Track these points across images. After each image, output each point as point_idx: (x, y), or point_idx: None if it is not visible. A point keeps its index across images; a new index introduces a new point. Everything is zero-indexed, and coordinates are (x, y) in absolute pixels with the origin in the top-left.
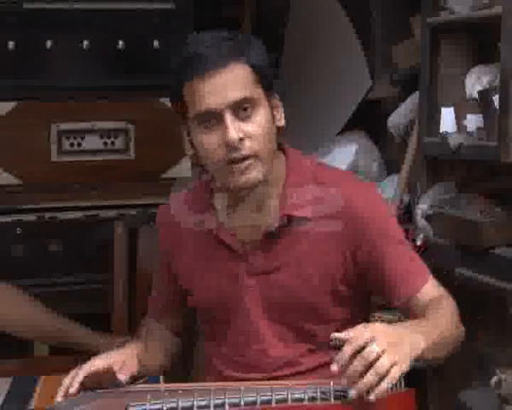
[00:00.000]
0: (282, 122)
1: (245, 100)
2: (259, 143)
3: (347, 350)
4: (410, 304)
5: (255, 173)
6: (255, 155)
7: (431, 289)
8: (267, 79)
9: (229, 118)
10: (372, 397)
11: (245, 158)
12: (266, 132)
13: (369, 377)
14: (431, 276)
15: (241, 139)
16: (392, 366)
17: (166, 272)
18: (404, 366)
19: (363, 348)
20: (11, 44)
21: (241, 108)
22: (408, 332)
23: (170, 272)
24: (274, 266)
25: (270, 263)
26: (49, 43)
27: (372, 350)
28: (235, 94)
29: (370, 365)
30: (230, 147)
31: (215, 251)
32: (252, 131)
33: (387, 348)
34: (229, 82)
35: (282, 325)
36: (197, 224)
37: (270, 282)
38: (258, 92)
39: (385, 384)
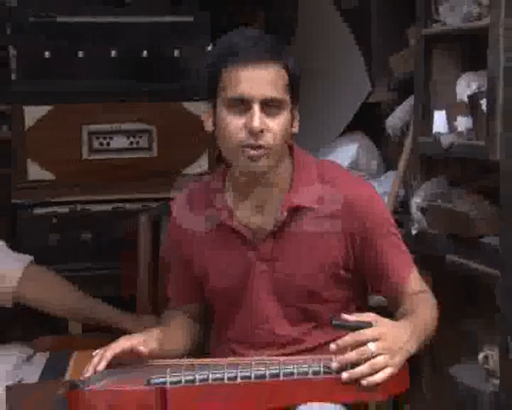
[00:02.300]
0: (295, 130)
1: (274, 99)
2: (275, 139)
3: (349, 340)
4: (396, 293)
5: (263, 163)
6: (268, 148)
7: (415, 281)
8: (296, 89)
9: (257, 109)
10: (364, 382)
11: (259, 147)
12: (283, 133)
13: (363, 368)
14: (416, 269)
15: (261, 130)
16: (385, 367)
17: (180, 260)
18: (394, 370)
19: (364, 342)
20: (47, 54)
21: (269, 105)
22: (407, 338)
23: (183, 259)
24: (281, 253)
25: (278, 251)
26: (80, 53)
27: (370, 350)
28: (269, 92)
29: (364, 360)
30: (252, 133)
31: (227, 239)
32: (272, 126)
33: (385, 351)
34: (266, 79)
35: (288, 307)
36: (210, 214)
37: (278, 268)
38: (286, 97)
39: (376, 378)
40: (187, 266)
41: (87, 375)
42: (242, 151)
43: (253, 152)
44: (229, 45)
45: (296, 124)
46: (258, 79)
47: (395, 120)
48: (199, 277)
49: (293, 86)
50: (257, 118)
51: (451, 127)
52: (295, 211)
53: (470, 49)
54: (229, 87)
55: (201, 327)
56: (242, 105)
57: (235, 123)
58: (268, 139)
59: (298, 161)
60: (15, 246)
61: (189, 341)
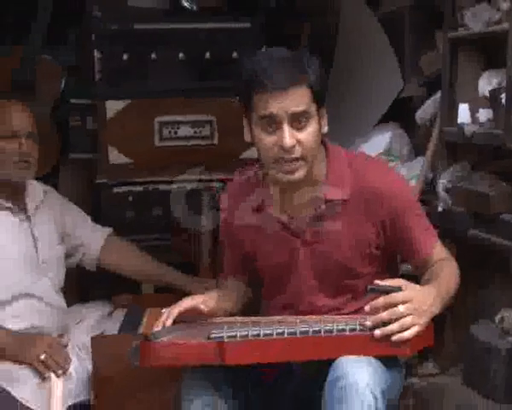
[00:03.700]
0: (325, 129)
1: (301, 113)
2: (308, 149)
3: (381, 302)
4: (424, 263)
5: (299, 174)
6: (302, 159)
7: (439, 251)
8: (321, 97)
9: (286, 126)
10: (394, 339)
11: (293, 160)
12: (314, 140)
13: (393, 326)
14: (439, 241)
15: (293, 145)
16: (412, 326)
17: (231, 239)
18: (420, 329)
19: (395, 304)
20: (125, 57)
21: (297, 119)
22: (431, 301)
23: (234, 239)
24: (319, 238)
25: (316, 236)
26: (153, 56)
27: (400, 311)
28: (295, 108)
29: (395, 319)
30: (284, 150)
31: (272, 226)
32: (303, 139)
33: (413, 312)
34: (292, 97)
35: (327, 282)
36: (255, 203)
37: (317, 251)
38: (312, 107)
39: (404, 335)
40: (238, 245)
41: (157, 329)
42: (278, 165)
43: (288, 167)
44: (257, 70)
45: (325, 124)
46: (285, 99)
47: (424, 112)
48: (248, 256)
49: (318, 96)
50: (287, 135)
51: (474, 118)
52: (330, 201)
53: (491, 50)
54: (259, 107)
55: (251, 292)
56: (274, 124)
57: (268, 140)
58: (301, 151)
59: (331, 156)
60: (98, 220)
61: (240, 303)
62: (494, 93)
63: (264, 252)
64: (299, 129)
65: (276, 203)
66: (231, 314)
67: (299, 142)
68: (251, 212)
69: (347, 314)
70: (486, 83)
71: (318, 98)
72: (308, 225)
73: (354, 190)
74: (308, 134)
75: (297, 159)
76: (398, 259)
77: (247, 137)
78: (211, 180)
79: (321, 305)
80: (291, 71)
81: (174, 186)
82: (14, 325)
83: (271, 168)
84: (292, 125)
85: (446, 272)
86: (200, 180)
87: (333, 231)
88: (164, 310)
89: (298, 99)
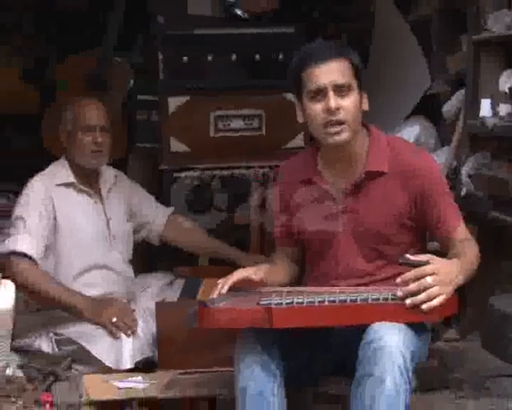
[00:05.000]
0: (366, 107)
1: (344, 85)
2: (349, 114)
3: (411, 274)
4: (448, 238)
5: (343, 136)
6: (345, 122)
7: (463, 230)
8: (360, 75)
9: (331, 93)
10: (423, 307)
11: (338, 123)
12: (355, 110)
13: (421, 296)
14: (463, 221)
15: (337, 108)
16: (439, 295)
17: (282, 209)
18: (445, 298)
19: (423, 276)
20: (185, 58)
21: (340, 90)
22: (456, 273)
23: (285, 209)
24: (359, 206)
25: (356, 205)
26: (209, 57)
27: (428, 282)
28: (338, 79)
29: (423, 290)
30: (329, 112)
31: (317, 196)
32: (345, 105)
33: (439, 283)
34: (334, 70)
35: (364, 248)
36: (305, 176)
37: (356, 218)
38: (353, 81)
39: (431, 304)
40: (287, 215)
41: (213, 296)
42: (326, 130)
43: (334, 129)
44: (305, 53)
45: (366, 102)
46: (329, 72)
47: (449, 107)
48: (296, 223)
49: (357, 73)
50: (332, 99)
51: (494, 112)
52: (370, 174)
53: (511, 51)
54: (309, 83)
55: (298, 267)
56: (321, 94)
57: (317, 108)
58: (343, 115)
59: (373, 136)
60: (161, 200)
61: (287, 275)
62: None
63: (310, 219)
64: (342, 97)
65: (323, 176)
66: (279, 285)
67: (342, 107)
68: (300, 184)
69: (380, 280)
70: (506, 80)
71: (358, 75)
72: (349, 194)
73: (392, 166)
74: (349, 102)
75: (341, 122)
76: (426, 235)
77: (300, 118)
78: (259, 167)
79: (358, 269)
80: (333, 48)
81: (227, 172)
82: (89, 292)
83: (321, 134)
84: (336, 94)
85: (469, 249)
86: (249, 167)
87: (371, 199)
88: (220, 281)
89: (340, 71)
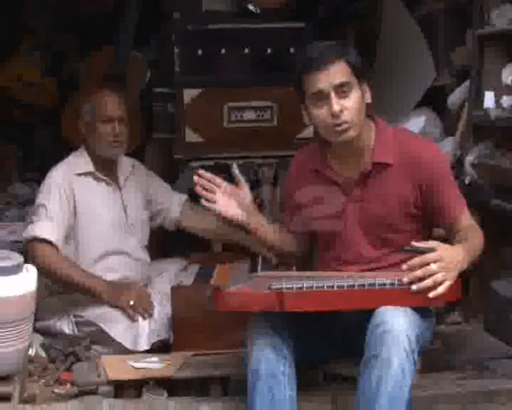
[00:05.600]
0: (369, 100)
1: (343, 84)
2: (353, 113)
3: (417, 261)
4: (453, 226)
5: (350, 133)
6: (350, 121)
7: (467, 218)
8: (359, 71)
9: (333, 95)
10: (428, 293)
11: (343, 123)
12: (358, 106)
13: (426, 282)
14: (467, 208)
15: (340, 111)
16: (443, 281)
17: (293, 196)
18: (449, 284)
19: (428, 263)
20: (200, 52)
21: (341, 89)
22: (460, 259)
23: (296, 196)
24: (366, 196)
25: (363, 194)
26: (223, 51)
27: (432, 269)
28: (337, 79)
29: (428, 276)
30: (334, 116)
31: (326, 186)
32: (348, 105)
33: (444, 270)
34: (333, 72)
35: (371, 235)
36: (314, 167)
37: (364, 207)
38: (352, 79)
39: (437, 290)
40: (297, 201)
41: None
42: (332, 130)
43: (339, 128)
44: (304, 59)
45: (368, 95)
46: (328, 75)
47: (454, 98)
48: (305, 212)
49: (356, 70)
50: (334, 103)
51: (497, 104)
52: (377, 165)
53: None
54: (310, 86)
55: (298, 250)
56: (323, 98)
57: (321, 113)
58: (347, 115)
59: (378, 128)
60: (176, 188)
61: (284, 247)
62: None
63: (318, 208)
64: (344, 97)
65: (331, 167)
66: (272, 248)
67: (345, 108)
68: (310, 174)
69: (387, 267)
70: (509, 73)
71: (357, 72)
72: (357, 184)
73: (398, 157)
74: (351, 101)
75: (346, 121)
76: (432, 223)
77: (306, 120)
78: (270, 157)
79: (365, 255)
80: (332, 52)
81: (240, 161)
82: (108, 276)
83: (328, 134)
84: (337, 95)
85: (473, 234)
86: (261, 157)
87: (378, 189)
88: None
89: (339, 73)
